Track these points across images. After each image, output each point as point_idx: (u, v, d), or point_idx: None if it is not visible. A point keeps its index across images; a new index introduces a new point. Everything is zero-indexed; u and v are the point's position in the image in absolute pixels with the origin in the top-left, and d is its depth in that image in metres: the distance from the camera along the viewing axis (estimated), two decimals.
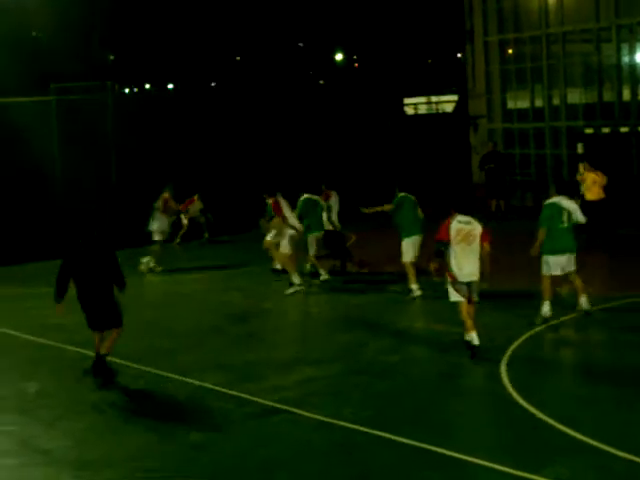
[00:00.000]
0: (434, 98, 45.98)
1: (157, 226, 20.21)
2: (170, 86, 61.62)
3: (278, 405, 10.95)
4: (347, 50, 65.40)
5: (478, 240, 12.42)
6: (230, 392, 11.57)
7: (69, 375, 12.96)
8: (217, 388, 11.79)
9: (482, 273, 12.51)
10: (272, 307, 16.90)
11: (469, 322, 12.44)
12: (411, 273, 16.46)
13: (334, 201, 19.43)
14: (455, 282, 12.45)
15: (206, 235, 24.23)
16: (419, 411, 10.57)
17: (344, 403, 11.02)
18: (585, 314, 14.20)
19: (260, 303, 17.14)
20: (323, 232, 18.45)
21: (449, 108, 39.48)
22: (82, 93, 26.24)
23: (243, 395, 11.40)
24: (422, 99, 45.37)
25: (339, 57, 66.27)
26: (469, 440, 9.57)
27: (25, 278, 20.82)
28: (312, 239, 18.19)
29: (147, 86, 63.43)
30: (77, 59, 46.35)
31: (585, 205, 21.60)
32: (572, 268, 14.06)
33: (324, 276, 18.25)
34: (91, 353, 13.08)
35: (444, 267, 12.71)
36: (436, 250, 12.74)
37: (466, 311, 12.47)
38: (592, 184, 21.67)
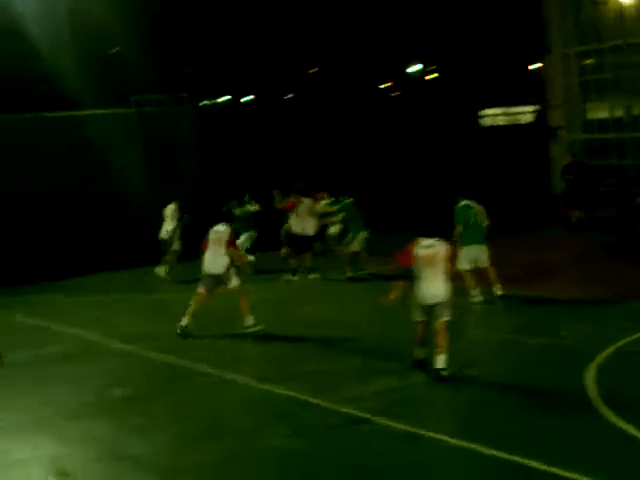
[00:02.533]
0: (512, 109, 45.63)
1: None
2: (246, 98, 62.06)
3: (362, 414, 10.93)
4: (422, 62, 65.23)
5: (443, 263, 12.30)
6: (313, 400, 11.60)
7: (156, 383, 13.15)
8: (300, 396, 11.81)
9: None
10: (349, 316, 16.94)
11: (419, 337, 12.47)
12: (468, 279, 16.81)
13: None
14: (419, 304, 12.35)
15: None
16: (507, 422, 10.44)
17: (429, 413, 10.97)
18: None
19: (337, 312, 17.23)
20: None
21: (528, 119, 39.14)
22: (160, 106, 26.57)
23: (326, 404, 11.41)
24: (500, 110, 45.03)
25: (414, 69, 66.12)
26: (560, 453, 9.33)
27: (99, 287, 21.41)
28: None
29: (224, 98, 63.93)
30: (154, 73, 47.00)
31: None
32: None
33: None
34: (179, 361, 13.25)
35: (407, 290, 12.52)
36: (397, 274, 12.64)
37: (422, 330, 12.42)
38: None
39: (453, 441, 9.89)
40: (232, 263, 15.95)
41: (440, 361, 12.05)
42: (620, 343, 13.42)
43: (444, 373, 12.00)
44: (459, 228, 17.01)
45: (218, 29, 54.52)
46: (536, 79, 38.48)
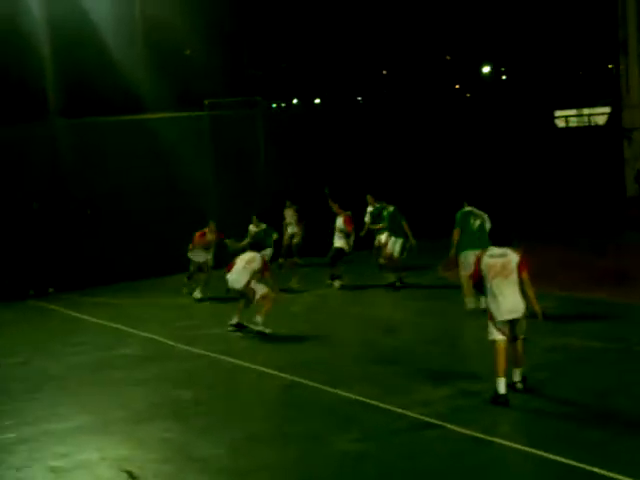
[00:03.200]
0: (586, 110, 45.09)
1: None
2: (317, 101, 62.28)
3: (428, 419, 10.89)
4: (494, 63, 64.79)
5: (516, 272, 11.42)
6: (379, 404, 11.59)
7: (222, 385, 13.27)
8: (367, 400, 11.80)
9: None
10: (419, 320, 16.90)
11: (502, 366, 11.33)
12: (465, 286, 16.49)
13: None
14: (494, 320, 11.51)
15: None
16: (575, 430, 10.26)
17: (497, 419, 10.87)
18: None
19: (407, 316, 17.20)
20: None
21: (601, 120, 38.59)
22: (232, 109, 26.74)
23: (393, 408, 11.38)
24: (573, 111, 44.54)
25: (486, 70, 65.70)
26: (630, 462, 9.16)
27: (166, 289, 21.73)
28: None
29: (294, 101, 64.23)
30: (225, 76, 47.41)
31: None
32: None
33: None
34: (245, 364, 13.34)
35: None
36: (476, 287, 12.18)
37: (503, 353, 11.42)
38: None
39: (517, 446, 9.82)
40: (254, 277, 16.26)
41: (516, 374, 11.74)
42: None
43: (519, 386, 11.72)
44: (456, 232, 16.78)
45: (288, 32, 54.80)
46: (612, 79, 37.95)
